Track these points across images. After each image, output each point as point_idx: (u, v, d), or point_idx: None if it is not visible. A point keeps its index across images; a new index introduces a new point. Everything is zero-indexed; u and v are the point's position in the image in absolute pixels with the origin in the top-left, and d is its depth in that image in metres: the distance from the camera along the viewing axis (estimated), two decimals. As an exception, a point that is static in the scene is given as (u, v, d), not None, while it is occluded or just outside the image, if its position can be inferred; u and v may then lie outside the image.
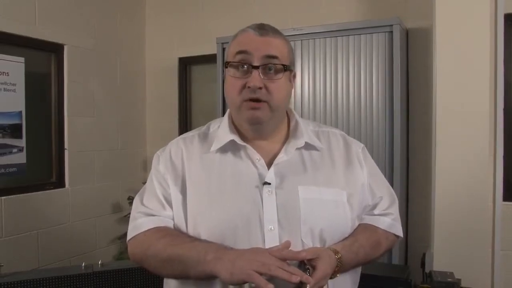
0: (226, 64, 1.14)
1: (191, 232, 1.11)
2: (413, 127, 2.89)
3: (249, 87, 1.08)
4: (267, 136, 1.18)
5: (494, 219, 2.52)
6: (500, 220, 2.51)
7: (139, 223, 1.15)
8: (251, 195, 1.10)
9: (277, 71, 1.11)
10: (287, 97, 1.17)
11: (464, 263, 2.38)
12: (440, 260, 2.44)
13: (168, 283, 1.18)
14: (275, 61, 1.10)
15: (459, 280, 2.17)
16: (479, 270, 2.42)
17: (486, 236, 2.46)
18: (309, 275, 0.97)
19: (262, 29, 1.13)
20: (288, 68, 1.14)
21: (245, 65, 1.10)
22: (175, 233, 1.12)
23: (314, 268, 1.00)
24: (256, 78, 1.08)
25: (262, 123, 1.13)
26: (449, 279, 2.12)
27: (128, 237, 1.18)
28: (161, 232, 1.12)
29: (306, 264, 1.01)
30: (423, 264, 2.44)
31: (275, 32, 1.15)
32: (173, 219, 1.15)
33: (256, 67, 1.09)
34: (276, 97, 1.11)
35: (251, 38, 1.12)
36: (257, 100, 1.09)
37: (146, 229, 1.14)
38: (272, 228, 1.07)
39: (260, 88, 1.08)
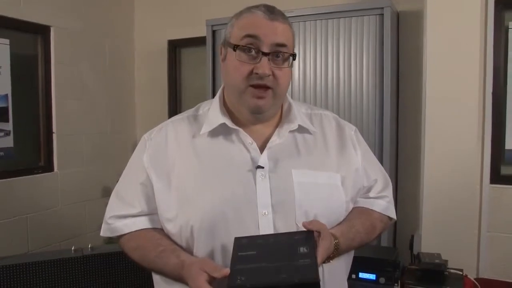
0: (234, 47, 1.09)
1: (180, 219, 1.09)
2: (403, 110, 2.90)
3: (257, 73, 1.06)
4: (262, 122, 1.17)
5: (481, 201, 2.56)
6: (487, 203, 2.54)
7: (114, 227, 1.19)
8: (244, 179, 1.09)
9: (284, 60, 1.10)
10: (289, 84, 1.17)
11: (451, 245, 2.41)
12: (428, 242, 2.48)
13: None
14: (284, 49, 1.09)
15: (446, 261, 2.21)
16: (466, 251, 2.46)
17: (473, 218, 2.50)
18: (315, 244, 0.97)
19: (272, 12, 1.10)
20: (294, 57, 1.13)
21: (253, 50, 1.07)
22: (144, 245, 1.13)
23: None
24: (265, 65, 1.06)
25: (264, 112, 1.12)
26: (437, 260, 2.16)
27: (103, 233, 1.22)
28: (132, 241, 1.16)
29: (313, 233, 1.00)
30: (411, 246, 2.48)
31: (283, 17, 1.12)
32: (147, 214, 1.16)
33: (266, 54, 1.07)
34: (281, 84, 1.10)
35: (261, 22, 1.08)
36: (263, 87, 1.08)
37: (120, 233, 1.18)
38: (266, 213, 1.06)
39: (269, 75, 1.07)
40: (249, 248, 0.96)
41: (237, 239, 0.99)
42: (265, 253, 0.94)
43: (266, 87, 1.08)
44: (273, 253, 0.94)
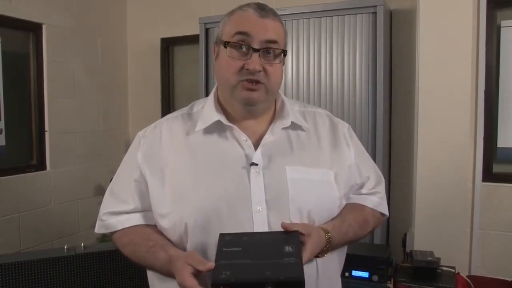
0: (225, 44, 1.11)
1: (174, 215, 1.09)
2: (395, 108, 2.91)
3: (247, 69, 1.07)
4: (256, 117, 1.17)
5: (473, 199, 2.57)
6: (479, 200, 2.56)
7: (108, 224, 1.20)
8: (238, 176, 1.09)
9: (275, 56, 1.11)
10: (282, 80, 1.18)
11: (444, 243, 2.43)
12: (421, 240, 2.49)
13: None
14: (275, 45, 1.10)
15: (439, 259, 2.22)
16: (458, 249, 2.47)
17: (466, 216, 2.52)
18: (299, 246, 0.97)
19: (263, 10, 1.11)
20: (285, 53, 1.14)
21: (244, 47, 1.09)
22: (135, 240, 1.14)
23: (302, 244, 1.00)
24: (256, 61, 1.07)
25: (256, 104, 1.13)
26: (429, 258, 2.17)
27: (98, 230, 1.23)
28: (124, 237, 1.17)
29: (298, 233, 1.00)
30: (404, 244, 2.49)
31: (274, 14, 1.14)
32: (141, 211, 1.17)
33: (256, 50, 1.08)
34: (273, 80, 1.11)
35: (251, 19, 1.10)
36: (255, 82, 1.09)
37: (114, 230, 1.19)
38: (260, 209, 1.07)
39: (259, 71, 1.08)
40: (234, 245, 0.96)
41: (221, 235, 0.99)
42: (250, 250, 0.94)
43: (258, 82, 1.09)
44: (258, 250, 0.94)
